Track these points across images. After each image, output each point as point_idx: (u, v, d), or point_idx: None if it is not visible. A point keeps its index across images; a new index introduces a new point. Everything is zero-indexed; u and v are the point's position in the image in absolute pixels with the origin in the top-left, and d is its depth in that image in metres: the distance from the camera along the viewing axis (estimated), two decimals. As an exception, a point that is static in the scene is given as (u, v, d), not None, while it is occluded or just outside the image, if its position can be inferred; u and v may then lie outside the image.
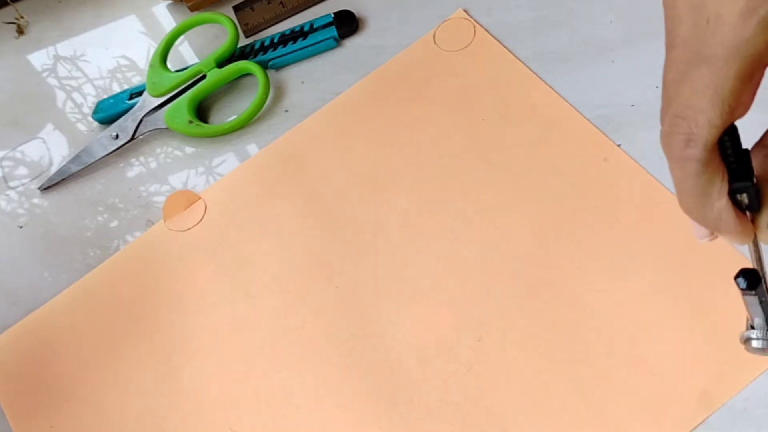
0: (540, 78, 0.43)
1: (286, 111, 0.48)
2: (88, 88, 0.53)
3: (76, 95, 0.53)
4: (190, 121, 0.48)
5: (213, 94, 0.50)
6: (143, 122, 0.49)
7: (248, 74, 0.49)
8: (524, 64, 0.44)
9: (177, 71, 0.50)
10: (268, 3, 0.52)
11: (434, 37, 0.46)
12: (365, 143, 0.44)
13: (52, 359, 0.43)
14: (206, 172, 0.47)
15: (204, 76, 0.49)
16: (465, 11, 0.46)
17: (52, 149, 0.51)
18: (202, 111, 0.50)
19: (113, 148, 0.48)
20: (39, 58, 0.55)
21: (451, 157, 0.42)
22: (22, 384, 0.42)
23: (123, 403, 0.40)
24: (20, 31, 0.57)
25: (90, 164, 0.48)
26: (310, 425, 0.37)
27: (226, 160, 0.47)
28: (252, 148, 0.47)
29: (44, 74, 0.54)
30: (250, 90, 0.49)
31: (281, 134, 0.47)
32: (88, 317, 0.43)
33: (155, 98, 0.49)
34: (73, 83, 0.53)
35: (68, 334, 0.43)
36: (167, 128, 0.48)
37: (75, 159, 0.49)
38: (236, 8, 0.52)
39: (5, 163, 0.51)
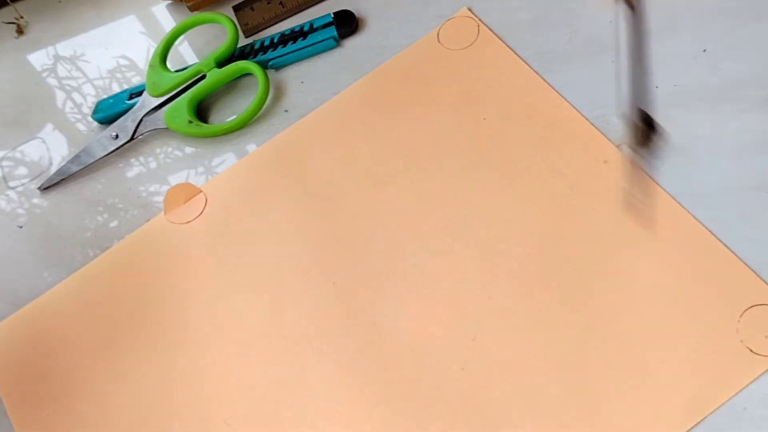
0: (542, 78, 0.43)
1: (286, 111, 0.48)
2: (87, 88, 0.53)
3: (75, 95, 0.53)
4: (190, 121, 0.48)
5: (213, 94, 0.50)
6: (143, 122, 0.49)
7: (248, 74, 0.49)
8: (527, 63, 0.44)
9: (177, 71, 0.50)
10: (268, 3, 0.51)
11: (438, 35, 0.46)
12: (366, 140, 0.44)
13: (50, 348, 0.43)
14: (206, 172, 0.47)
15: (204, 76, 0.49)
16: (469, 9, 0.46)
17: (52, 149, 0.51)
18: (202, 111, 0.50)
19: (113, 148, 0.48)
20: (39, 58, 0.55)
21: (451, 156, 0.42)
22: (20, 372, 0.42)
23: (118, 394, 0.41)
24: (20, 31, 0.57)
25: (90, 164, 0.48)
26: (304, 420, 0.37)
27: (226, 160, 0.47)
28: (251, 148, 0.47)
29: (44, 74, 0.54)
30: (250, 90, 0.49)
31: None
32: (87, 308, 0.44)
33: (155, 98, 0.49)
34: (73, 83, 0.53)
35: (66, 324, 0.43)
36: (167, 128, 0.48)
37: (75, 159, 0.49)
38: (236, 8, 0.52)
39: (5, 163, 0.51)
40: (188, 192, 0.46)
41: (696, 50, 0.41)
